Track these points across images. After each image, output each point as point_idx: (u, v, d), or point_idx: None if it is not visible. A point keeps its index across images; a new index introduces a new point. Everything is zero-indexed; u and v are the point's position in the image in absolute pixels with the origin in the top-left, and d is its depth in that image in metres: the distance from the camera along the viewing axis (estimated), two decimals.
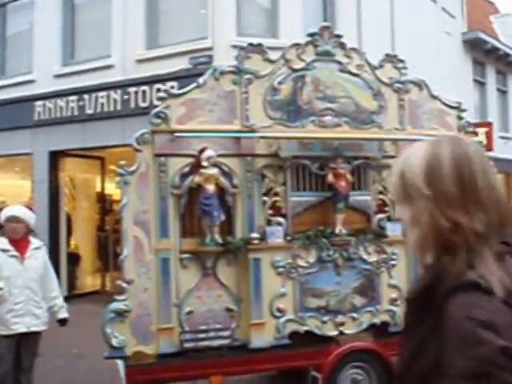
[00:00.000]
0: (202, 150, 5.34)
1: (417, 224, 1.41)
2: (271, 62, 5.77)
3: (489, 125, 16.73)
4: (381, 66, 6.23)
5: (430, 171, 1.39)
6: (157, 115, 5.36)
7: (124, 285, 5.17)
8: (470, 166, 1.37)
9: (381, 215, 6.13)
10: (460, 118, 6.62)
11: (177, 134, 5.33)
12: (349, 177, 5.83)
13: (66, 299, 12.08)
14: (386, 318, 6.00)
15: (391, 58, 6.30)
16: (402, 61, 6.31)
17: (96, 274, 13.70)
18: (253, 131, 5.55)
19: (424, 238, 1.40)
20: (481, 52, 19.63)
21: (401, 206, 1.47)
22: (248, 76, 5.65)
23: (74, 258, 12.97)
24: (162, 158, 5.32)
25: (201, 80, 5.56)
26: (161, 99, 5.46)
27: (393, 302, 6.03)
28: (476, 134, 6.74)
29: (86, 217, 13.70)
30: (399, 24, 13.67)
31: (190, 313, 5.36)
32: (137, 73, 11.15)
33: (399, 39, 13.13)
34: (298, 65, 5.85)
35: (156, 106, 5.70)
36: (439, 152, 1.40)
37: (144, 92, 11.06)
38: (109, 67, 11.67)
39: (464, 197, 1.35)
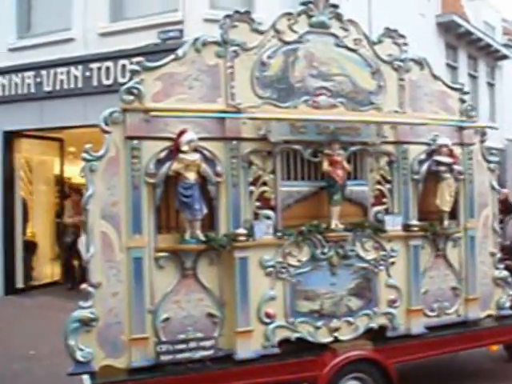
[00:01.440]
0: (181, 133, 4.65)
1: None
2: (260, 32, 5.08)
3: None
4: (380, 42, 5.60)
5: None
6: (129, 91, 4.62)
7: (90, 289, 4.45)
8: None
9: (378, 207, 5.55)
10: (462, 100, 6.06)
11: (152, 114, 4.62)
12: (346, 165, 5.20)
13: (22, 291, 11.48)
14: (383, 321, 5.44)
15: (391, 33, 5.67)
16: (402, 36, 5.68)
17: (55, 264, 12.82)
18: (239, 111, 4.88)
19: None
20: (453, 36, 19.26)
21: None
22: (234, 48, 4.94)
23: (30, 247, 12.07)
24: (135, 141, 4.60)
25: (180, 52, 4.83)
26: (133, 72, 4.70)
27: (391, 303, 5.47)
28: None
29: (44, 202, 12.79)
30: (376, 2, 13.14)
31: (166, 320, 4.68)
32: (100, 47, 10.34)
33: (376, 18, 12.55)
34: (290, 37, 5.17)
35: (121, 84, 4.94)
36: None
37: (108, 68, 10.24)
38: (69, 41, 10.84)
39: None
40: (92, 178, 4.52)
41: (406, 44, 5.69)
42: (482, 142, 6.21)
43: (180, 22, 9.75)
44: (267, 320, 4.93)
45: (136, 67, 4.71)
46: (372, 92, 5.51)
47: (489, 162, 6.24)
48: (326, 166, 5.09)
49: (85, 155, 4.53)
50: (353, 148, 5.34)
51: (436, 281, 5.82)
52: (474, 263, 6.00)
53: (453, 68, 19.55)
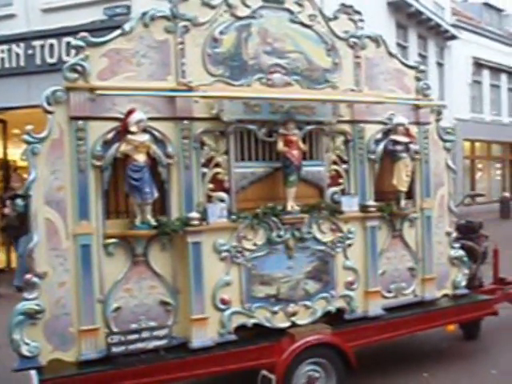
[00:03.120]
0: (129, 112, 4.41)
1: None
2: (211, 7, 4.85)
3: None
4: (335, 18, 5.45)
5: None
6: (72, 68, 4.35)
7: (35, 279, 4.19)
8: None
9: (335, 188, 5.43)
10: (418, 79, 5.96)
11: (98, 92, 4.35)
12: (301, 144, 5.05)
13: None
14: (341, 304, 5.35)
15: (346, 9, 5.51)
16: (358, 12, 5.54)
17: (0, 250, 12.36)
18: (190, 90, 4.65)
19: None
20: (404, 15, 19.38)
21: None
22: (184, 23, 4.71)
23: None
24: (80, 122, 4.34)
25: (127, 26, 4.56)
26: (77, 48, 4.41)
27: (349, 286, 5.38)
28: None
29: None
30: None
31: (117, 309, 4.47)
32: (43, 24, 10.00)
33: None
34: (243, 12, 4.96)
35: (66, 62, 4.64)
36: None
37: (51, 46, 9.89)
38: (10, 17, 10.49)
39: None
40: (35, 161, 4.24)
41: (361, 20, 5.55)
42: (438, 120, 6.15)
43: None
44: (223, 306, 4.77)
45: (80, 42, 4.42)
46: (327, 69, 5.36)
47: (444, 141, 6.19)
48: (280, 146, 4.94)
49: (26, 137, 4.26)
50: (308, 127, 5.19)
51: (393, 261, 5.76)
52: (430, 243, 5.96)
53: (403, 47, 19.67)
